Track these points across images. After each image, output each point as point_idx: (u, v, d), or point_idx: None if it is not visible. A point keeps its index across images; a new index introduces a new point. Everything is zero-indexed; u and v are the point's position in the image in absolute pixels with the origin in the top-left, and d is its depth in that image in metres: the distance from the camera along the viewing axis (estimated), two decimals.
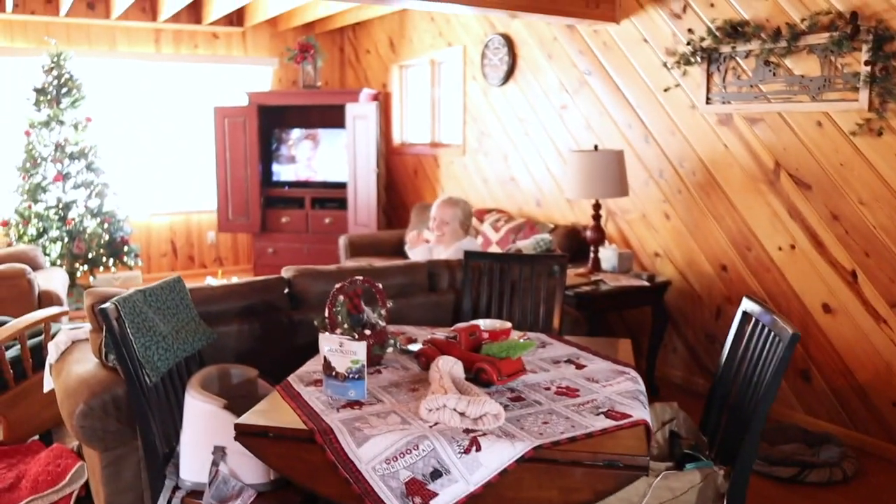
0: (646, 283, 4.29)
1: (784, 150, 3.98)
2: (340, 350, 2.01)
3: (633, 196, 4.79)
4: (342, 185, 7.34)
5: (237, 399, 2.33)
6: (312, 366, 2.36)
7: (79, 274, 6.63)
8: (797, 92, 3.86)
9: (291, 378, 2.24)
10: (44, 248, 6.39)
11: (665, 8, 4.51)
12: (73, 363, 2.73)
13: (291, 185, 7.62)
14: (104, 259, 6.66)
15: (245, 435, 1.90)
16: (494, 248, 5.38)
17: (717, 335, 4.43)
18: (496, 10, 4.38)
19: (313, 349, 2.27)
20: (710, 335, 4.49)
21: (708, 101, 4.33)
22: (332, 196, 7.46)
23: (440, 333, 2.55)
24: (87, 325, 2.82)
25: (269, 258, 7.52)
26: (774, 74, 3.97)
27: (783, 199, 4.01)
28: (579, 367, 2.40)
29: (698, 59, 4.31)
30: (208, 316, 2.72)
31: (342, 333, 2.30)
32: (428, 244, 4.14)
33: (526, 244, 3.58)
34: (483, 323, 2.42)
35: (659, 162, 4.69)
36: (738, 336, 2.46)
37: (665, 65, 4.48)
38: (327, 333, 2.13)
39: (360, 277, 2.38)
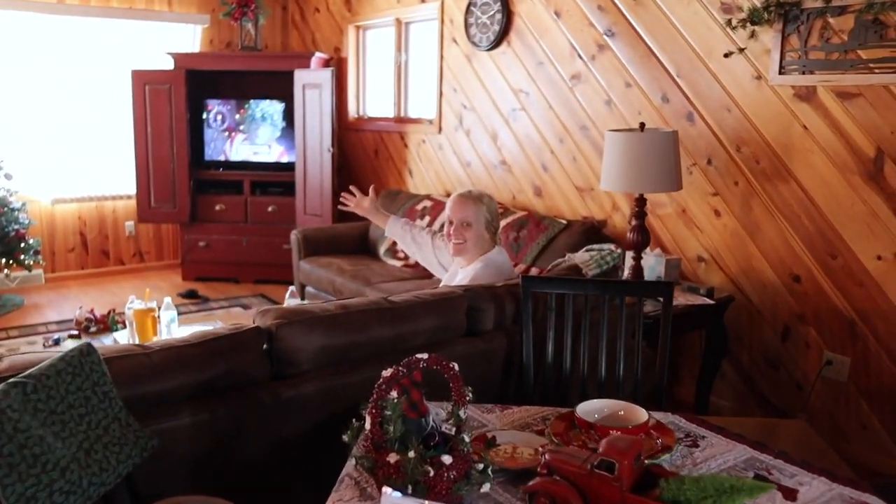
0: (708, 301, 3.37)
1: (892, 133, 3.10)
2: None
3: None
4: (288, 167, 6.20)
5: None
6: None
7: None
8: None
9: None
10: None
11: None
12: None
13: (227, 165, 6.41)
14: None
15: None
16: None
17: (783, 361, 3.57)
18: None
19: (311, 445, 1.26)
20: (772, 360, 3.63)
21: (782, 70, 3.42)
22: (276, 179, 6.30)
23: (547, 441, 1.54)
24: None
25: (200, 253, 6.32)
26: (881, 37, 3.08)
27: (886, 196, 3.14)
28: (789, 496, 1.43)
29: (771, 16, 3.39)
30: (142, 405, 1.65)
31: (395, 451, 1.28)
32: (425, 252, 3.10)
33: (583, 259, 2.60)
34: (594, 407, 1.48)
35: (708, 145, 3.77)
36: None
37: (730, 22, 3.53)
38: (391, 493, 1.09)
39: (425, 356, 1.34)
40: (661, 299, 2.18)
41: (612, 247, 2.67)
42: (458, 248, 2.80)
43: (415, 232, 3.14)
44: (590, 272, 2.57)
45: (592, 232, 4.16)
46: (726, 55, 3.59)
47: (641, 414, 1.63)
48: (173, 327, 3.22)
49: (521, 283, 2.21)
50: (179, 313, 5.48)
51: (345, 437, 1.37)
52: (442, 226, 2.83)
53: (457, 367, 1.38)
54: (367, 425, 1.31)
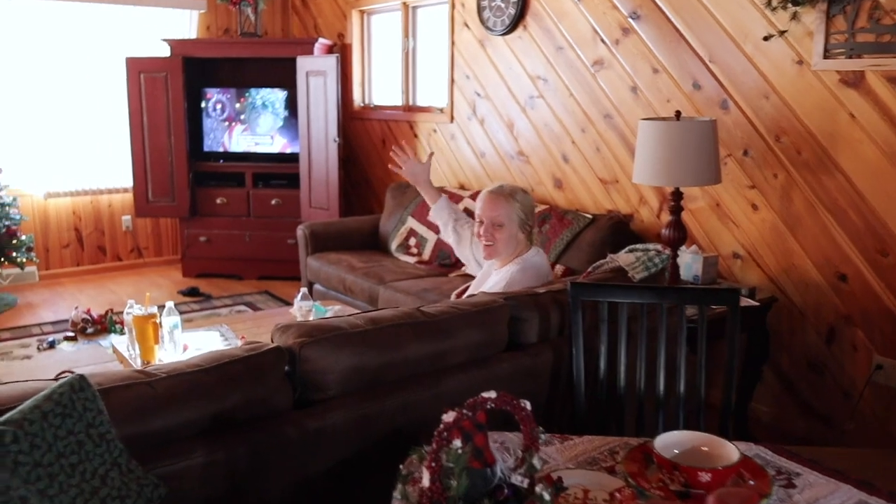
0: (752, 302, 3.15)
1: None
2: None
3: None
4: (292, 158, 5.95)
5: None
6: None
7: None
8: None
9: None
10: None
11: None
12: None
13: (228, 157, 6.16)
14: None
15: None
16: None
17: (828, 365, 3.35)
18: None
19: (341, 483, 1.08)
20: (815, 364, 3.40)
21: (826, 53, 3.18)
22: (279, 171, 6.05)
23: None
24: None
25: (201, 248, 6.08)
26: None
27: None
28: None
29: None
30: (146, 444, 1.42)
31: None
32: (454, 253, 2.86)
33: (628, 261, 2.36)
34: (673, 441, 1.26)
35: (744, 135, 3.54)
36: None
37: (769, 3, 3.28)
38: None
39: (493, 395, 1.11)
40: (726, 307, 1.95)
41: (660, 247, 2.43)
42: (488, 251, 2.56)
43: (458, 223, 2.92)
44: (636, 275, 2.34)
45: (620, 227, 3.94)
46: (766, 38, 3.34)
47: (730, 451, 1.40)
48: (176, 334, 2.99)
49: (570, 290, 1.97)
50: (181, 312, 5.22)
51: (397, 496, 1.13)
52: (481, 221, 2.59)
53: (529, 406, 1.14)
54: (426, 481, 1.08)
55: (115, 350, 3.15)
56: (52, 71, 5.79)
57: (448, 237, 2.96)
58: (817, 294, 3.36)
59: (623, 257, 2.43)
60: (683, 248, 3.42)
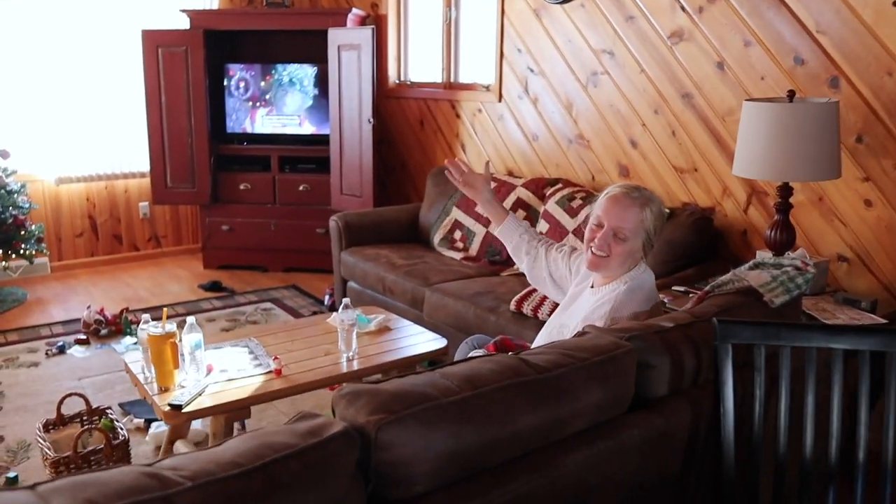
0: (877, 319, 2.65)
1: None
2: None
3: None
4: (322, 141, 5.47)
5: None
6: None
7: None
8: None
9: None
10: None
11: None
12: None
13: (252, 139, 5.69)
14: None
15: None
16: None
17: None
18: None
19: None
20: None
21: None
22: (308, 154, 5.58)
23: None
24: None
25: (223, 238, 5.63)
26: None
27: None
28: None
29: None
30: None
31: None
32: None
33: (761, 280, 1.87)
34: None
35: (858, 119, 3.01)
36: None
37: None
38: None
39: None
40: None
41: (798, 262, 1.93)
42: (596, 262, 2.04)
43: (531, 243, 2.40)
44: (775, 300, 1.85)
45: (703, 224, 3.44)
46: (895, 3, 2.81)
47: None
48: (199, 354, 2.54)
49: (717, 330, 1.49)
50: (202, 310, 4.84)
51: None
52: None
53: None
54: None
55: (127, 370, 2.71)
56: (63, 46, 5.32)
57: (521, 263, 2.43)
58: None
59: (754, 276, 1.93)
60: (789, 252, 2.91)
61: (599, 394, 1.43)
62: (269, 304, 4.87)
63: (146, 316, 2.62)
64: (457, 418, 1.23)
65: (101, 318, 4.29)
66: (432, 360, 3.01)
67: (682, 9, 3.57)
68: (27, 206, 4.87)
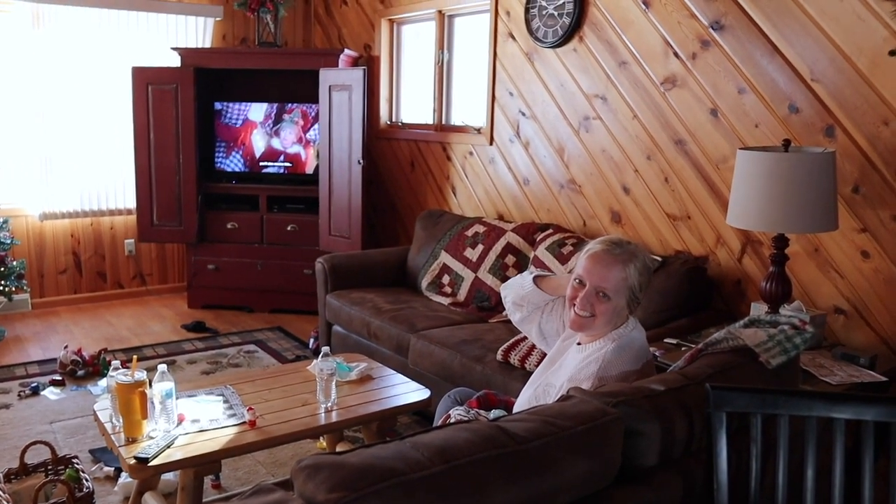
0: (877, 377, 2.55)
1: None
2: None
3: None
4: (311, 181, 5.40)
5: None
6: None
7: None
8: None
9: None
10: None
11: None
12: None
13: (240, 178, 5.62)
14: None
15: None
16: None
17: None
18: None
19: None
20: None
21: None
22: (296, 194, 5.51)
23: None
24: None
25: (209, 277, 5.53)
26: None
27: None
28: None
29: None
30: None
31: None
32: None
33: (756, 339, 1.78)
34: None
35: (854, 169, 2.95)
36: None
37: None
38: None
39: None
40: None
41: (797, 320, 1.84)
42: (580, 323, 1.94)
43: (524, 292, 2.26)
44: (772, 360, 1.76)
45: (696, 273, 3.36)
46: (892, 53, 2.76)
47: None
48: (169, 403, 2.43)
49: (711, 397, 1.40)
50: (184, 351, 4.71)
51: None
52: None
53: None
54: None
55: (96, 418, 2.59)
56: (51, 81, 5.27)
57: (510, 309, 2.31)
58: None
59: (749, 334, 1.84)
60: (785, 304, 2.83)
61: (584, 466, 1.32)
62: (252, 347, 4.75)
63: (116, 363, 2.51)
64: (426, 497, 1.13)
65: (79, 358, 4.17)
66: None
67: (676, 55, 3.53)
68: (9, 241, 4.77)
